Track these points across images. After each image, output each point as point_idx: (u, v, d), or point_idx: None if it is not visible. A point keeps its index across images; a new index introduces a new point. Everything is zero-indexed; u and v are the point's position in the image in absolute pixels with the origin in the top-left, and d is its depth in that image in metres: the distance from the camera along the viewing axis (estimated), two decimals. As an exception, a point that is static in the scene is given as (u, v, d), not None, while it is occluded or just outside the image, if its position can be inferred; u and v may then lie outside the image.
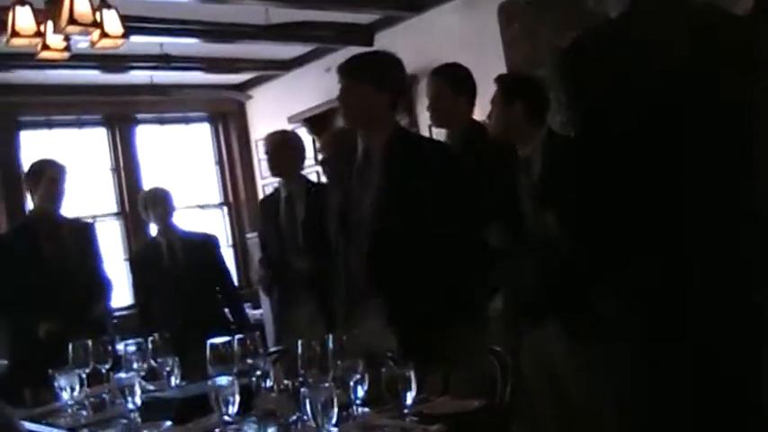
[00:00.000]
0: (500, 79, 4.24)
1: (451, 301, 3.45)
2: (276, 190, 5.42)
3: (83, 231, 5.17)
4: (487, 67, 6.45)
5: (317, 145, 8.29)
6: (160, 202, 5.56)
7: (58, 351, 3.57)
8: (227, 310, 5.73)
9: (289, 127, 8.69)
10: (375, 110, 3.61)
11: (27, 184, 5.05)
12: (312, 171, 8.63)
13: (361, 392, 2.50)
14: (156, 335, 3.46)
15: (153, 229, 5.83)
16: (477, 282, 3.67)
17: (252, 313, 7.78)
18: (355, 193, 3.71)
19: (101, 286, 5.13)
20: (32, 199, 5.06)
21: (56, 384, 3.43)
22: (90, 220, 5.78)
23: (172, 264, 5.47)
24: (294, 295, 5.03)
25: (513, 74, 5.78)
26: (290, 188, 5.14)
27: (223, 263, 5.91)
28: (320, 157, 5.18)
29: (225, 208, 9.74)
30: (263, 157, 5.37)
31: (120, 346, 3.70)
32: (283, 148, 5.18)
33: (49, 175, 4.95)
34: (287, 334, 4.92)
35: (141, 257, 5.69)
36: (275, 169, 5.23)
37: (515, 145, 4.12)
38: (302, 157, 5.30)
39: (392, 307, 3.50)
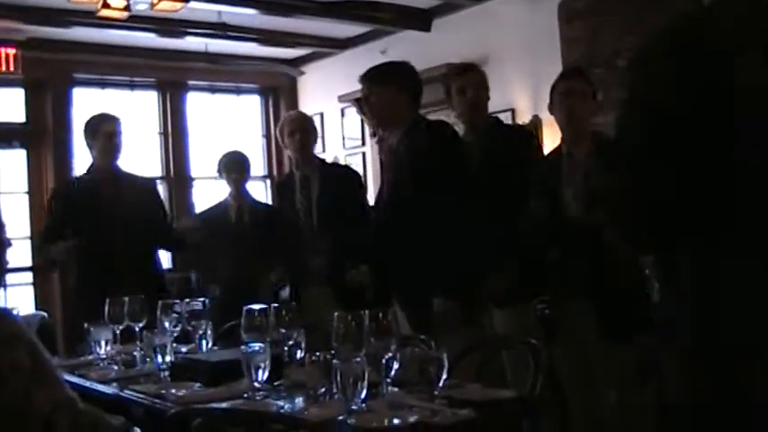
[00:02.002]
0: (581, 73, 4.20)
1: (463, 287, 3.71)
2: (291, 172, 5.45)
3: (143, 188, 5.21)
4: (543, 63, 6.43)
5: (366, 127, 8.34)
6: (236, 167, 5.55)
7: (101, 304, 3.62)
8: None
9: (339, 106, 8.73)
10: (396, 109, 4.00)
11: (86, 139, 5.06)
12: (359, 152, 8.69)
13: (392, 371, 2.51)
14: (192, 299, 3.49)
15: (200, 195, 5.83)
16: (487, 265, 3.84)
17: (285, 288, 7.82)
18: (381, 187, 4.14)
19: (168, 236, 5.17)
20: (91, 152, 5.06)
21: (90, 338, 3.48)
22: (150, 178, 5.77)
23: (238, 228, 5.47)
24: (310, 274, 5.05)
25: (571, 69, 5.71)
26: (306, 169, 5.16)
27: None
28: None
29: (268, 181, 9.77)
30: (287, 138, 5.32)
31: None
32: (308, 128, 5.22)
33: (106, 129, 4.97)
34: (304, 312, 4.93)
35: (209, 217, 5.66)
36: (301, 149, 5.19)
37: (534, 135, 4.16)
38: (316, 138, 5.37)
39: (398, 289, 3.84)
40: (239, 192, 5.54)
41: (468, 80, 4.39)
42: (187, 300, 3.51)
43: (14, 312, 3.10)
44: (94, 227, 4.79)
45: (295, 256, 5.11)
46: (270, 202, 6.05)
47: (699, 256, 1.71)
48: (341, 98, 8.48)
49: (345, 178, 5.25)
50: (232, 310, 3.51)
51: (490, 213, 3.81)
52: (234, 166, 5.52)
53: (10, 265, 2.54)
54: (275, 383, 2.66)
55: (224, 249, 5.42)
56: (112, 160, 5.02)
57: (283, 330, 2.80)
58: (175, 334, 3.35)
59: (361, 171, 8.02)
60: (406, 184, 3.89)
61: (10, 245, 2.48)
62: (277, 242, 5.27)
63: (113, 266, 4.72)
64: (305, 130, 5.16)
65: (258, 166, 9.76)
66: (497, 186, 3.97)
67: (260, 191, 9.56)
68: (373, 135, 5.31)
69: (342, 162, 8.72)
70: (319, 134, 5.44)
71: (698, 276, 1.71)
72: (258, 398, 2.57)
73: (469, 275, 3.76)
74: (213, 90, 9.61)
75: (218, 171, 5.58)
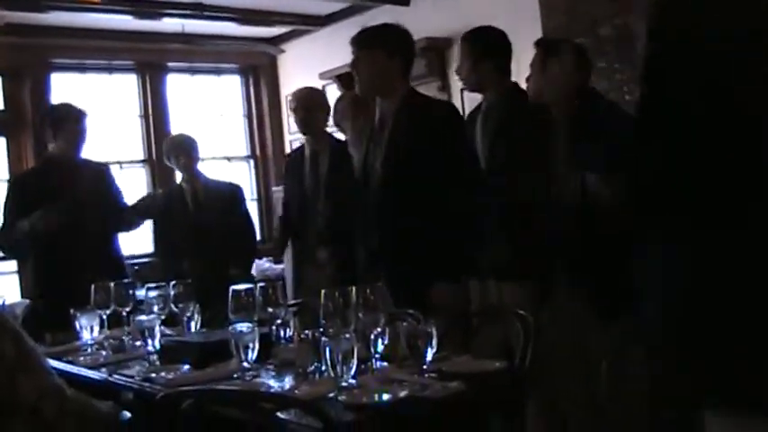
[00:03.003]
0: (539, 43, 4.19)
1: (458, 258, 3.61)
2: (301, 146, 5.40)
3: (100, 174, 5.16)
4: (524, 33, 6.39)
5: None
6: (184, 151, 5.51)
7: (78, 292, 3.62)
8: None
9: (320, 83, 8.68)
10: (388, 76, 3.79)
11: (50, 127, 4.98)
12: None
13: (381, 346, 2.50)
14: (179, 281, 3.48)
15: (178, 177, 5.79)
16: (484, 240, 3.76)
17: (272, 267, 7.82)
18: (371, 157, 3.91)
19: (122, 217, 5.11)
20: (53, 141, 4.99)
21: (77, 324, 3.47)
22: (104, 163, 5.71)
23: (196, 212, 5.44)
24: (312, 252, 5.03)
25: (551, 38, 5.72)
26: (316, 146, 5.12)
27: (247, 214, 5.88)
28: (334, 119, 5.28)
29: (251, 161, 9.73)
30: (291, 113, 5.31)
31: (140, 292, 3.71)
32: (312, 106, 5.16)
33: (73, 120, 4.93)
34: (303, 289, 4.93)
35: (164, 204, 5.64)
36: (304, 127, 5.19)
37: (550, 108, 4.11)
38: (328, 115, 5.29)
39: (396, 262, 3.68)
40: (192, 175, 5.52)
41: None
42: (151, 285, 3.51)
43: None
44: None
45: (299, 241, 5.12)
46: (227, 180, 5.97)
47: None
48: (322, 75, 8.44)
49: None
50: (206, 296, 3.53)
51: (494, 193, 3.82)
52: (181, 151, 5.51)
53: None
54: (264, 363, 2.65)
55: (185, 235, 5.43)
56: (77, 151, 4.98)
57: (271, 309, 2.79)
58: (162, 317, 3.35)
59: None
60: (405, 162, 3.72)
61: None
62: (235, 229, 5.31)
63: (74, 254, 4.70)
64: (307, 108, 5.11)
65: (241, 146, 9.74)
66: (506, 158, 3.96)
67: (243, 171, 9.54)
68: (335, 124, 5.29)
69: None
70: (330, 110, 5.36)
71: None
72: (248, 378, 2.57)
73: (467, 257, 3.69)
74: (193, 71, 9.53)
75: (166, 157, 5.55)
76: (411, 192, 3.68)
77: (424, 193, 3.63)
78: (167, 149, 5.57)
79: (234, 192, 5.74)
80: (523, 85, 4.26)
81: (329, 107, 5.34)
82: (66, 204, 4.68)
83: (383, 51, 3.78)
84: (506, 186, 3.90)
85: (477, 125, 4.21)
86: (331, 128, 5.40)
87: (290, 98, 5.35)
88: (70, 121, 4.91)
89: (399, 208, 3.73)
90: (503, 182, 3.92)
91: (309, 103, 5.17)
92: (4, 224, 4.87)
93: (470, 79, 4.33)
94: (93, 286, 3.54)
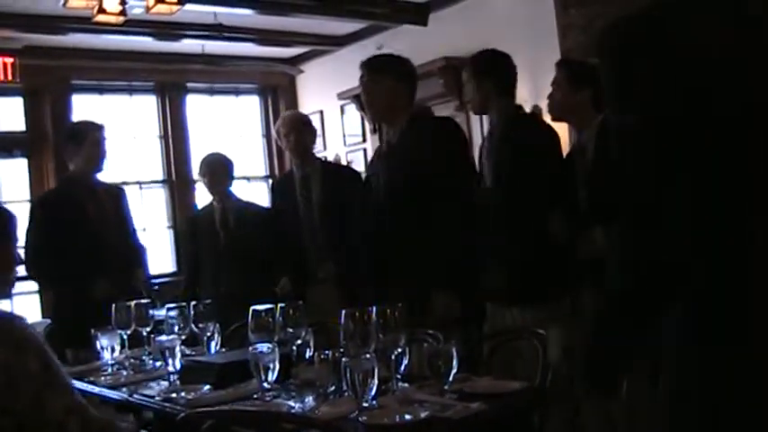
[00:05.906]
0: (567, 64, 4.19)
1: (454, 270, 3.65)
2: (289, 171, 5.43)
3: (117, 196, 5.16)
4: (540, 53, 6.40)
5: (366, 123, 8.33)
6: (220, 170, 5.49)
7: (99, 313, 3.64)
8: None
9: (338, 103, 8.72)
10: (395, 99, 3.96)
11: (69, 146, 4.96)
12: (360, 149, 8.68)
13: (401, 367, 2.50)
14: (200, 301, 3.49)
15: (202, 197, 5.77)
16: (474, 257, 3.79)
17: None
18: (376, 180, 4.07)
19: (136, 252, 5.11)
20: (73, 160, 4.97)
21: (97, 344, 3.48)
22: (121, 186, 5.70)
23: (224, 232, 5.42)
24: (313, 271, 5.02)
25: (579, 60, 5.72)
26: (306, 169, 5.14)
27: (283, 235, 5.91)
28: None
29: (270, 181, 9.75)
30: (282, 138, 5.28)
31: (161, 311, 3.72)
32: (300, 129, 5.17)
33: (92, 138, 4.91)
34: (310, 308, 4.91)
35: (194, 222, 5.64)
36: (298, 150, 5.18)
37: (556, 133, 4.14)
38: (315, 138, 5.31)
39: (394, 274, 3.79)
40: (223, 195, 5.48)
41: None
42: (171, 305, 3.51)
43: (24, 319, 3.10)
44: (81, 238, 4.76)
45: (299, 259, 5.08)
46: (258, 203, 5.96)
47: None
48: (340, 95, 8.47)
49: (346, 178, 5.15)
50: (228, 316, 3.53)
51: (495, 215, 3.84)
52: (215, 169, 5.48)
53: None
54: (285, 383, 2.65)
55: (209, 253, 5.42)
56: (97, 169, 4.97)
57: (291, 330, 2.79)
58: (183, 336, 3.36)
59: (362, 168, 8.00)
60: (408, 179, 3.82)
61: (21, 261, 2.50)
62: (277, 247, 5.23)
63: (100, 274, 4.71)
64: (299, 131, 5.12)
65: (259, 166, 9.78)
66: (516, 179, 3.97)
67: (261, 191, 9.56)
68: (374, 131, 5.30)
69: (343, 159, 8.73)
70: (318, 133, 5.36)
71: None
72: (268, 398, 2.57)
73: (470, 275, 3.72)
74: (212, 92, 9.60)
75: (201, 175, 5.55)
76: (413, 206, 3.77)
77: (429, 209, 3.71)
78: (202, 168, 5.55)
79: (264, 215, 5.71)
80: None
81: (315, 129, 5.37)
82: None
83: (391, 76, 3.96)
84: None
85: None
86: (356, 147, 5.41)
87: (279, 123, 5.29)
88: (88, 139, 4.88)
89: (401, 224, 3.82)
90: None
91: (299, 125, 5.18)
92: (32, 249, 4.68)
93: (475, 105, 4.38)
94: (113, 306, 3.56)
